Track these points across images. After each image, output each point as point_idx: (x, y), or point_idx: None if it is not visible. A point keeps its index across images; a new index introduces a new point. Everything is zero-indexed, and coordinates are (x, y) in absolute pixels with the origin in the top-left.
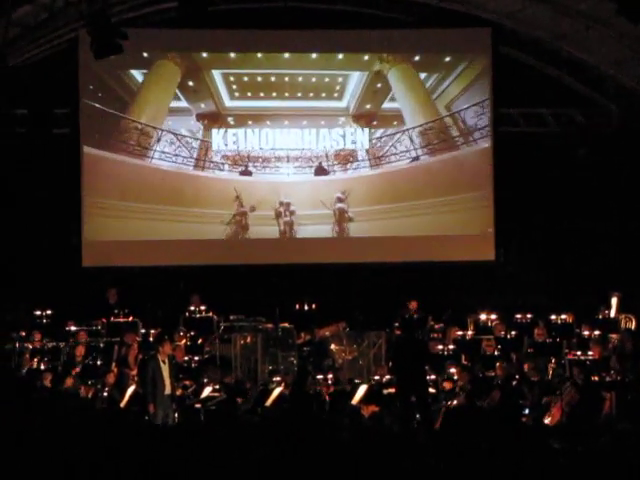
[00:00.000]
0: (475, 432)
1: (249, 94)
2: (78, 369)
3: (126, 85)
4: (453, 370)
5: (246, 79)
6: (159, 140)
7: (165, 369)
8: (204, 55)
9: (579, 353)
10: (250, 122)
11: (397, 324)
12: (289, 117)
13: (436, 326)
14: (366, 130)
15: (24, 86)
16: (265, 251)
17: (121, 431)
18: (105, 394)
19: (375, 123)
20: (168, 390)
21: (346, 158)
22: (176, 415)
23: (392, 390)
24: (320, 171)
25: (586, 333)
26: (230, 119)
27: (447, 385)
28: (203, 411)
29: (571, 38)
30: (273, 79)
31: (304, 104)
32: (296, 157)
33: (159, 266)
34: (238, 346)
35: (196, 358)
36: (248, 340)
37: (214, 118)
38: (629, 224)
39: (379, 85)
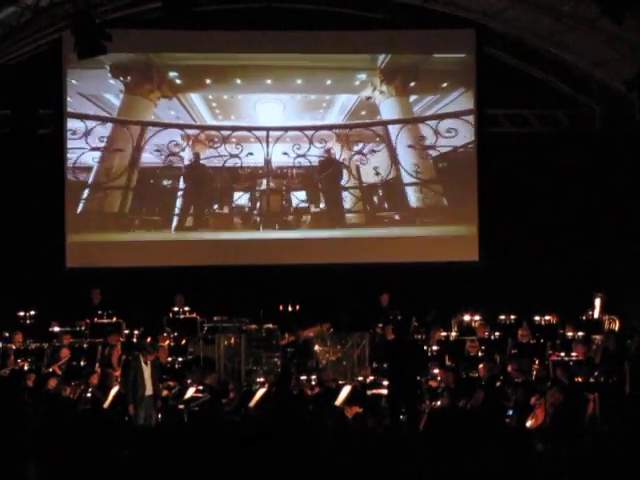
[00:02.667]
0: (458, 433)
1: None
2: (62, 370)
3: None
4: (437, 371)
5: None
6: None
7: (147, 370)
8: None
9: (563, 354)
10: (208, 81)
11: (381, 325)
12: (275, 72)
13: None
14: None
15: (8, 86)
16: (249, 252)
17: (104, 431)
18: (89, 395)
19: (413, 85)
20: (149, 391)
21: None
22: (160, 416)
23: (376, 391)
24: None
25: (570, 334)
26: (172, 75)
27: (432, 383)
28: (187, 412)
29: (555, 39)
30: None
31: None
32: (284, 138)
33: (143, 267)
34: (222, 347)
35: (180, 359)
36: (232, 341)
37: (145, 73)
38: (613, 225)
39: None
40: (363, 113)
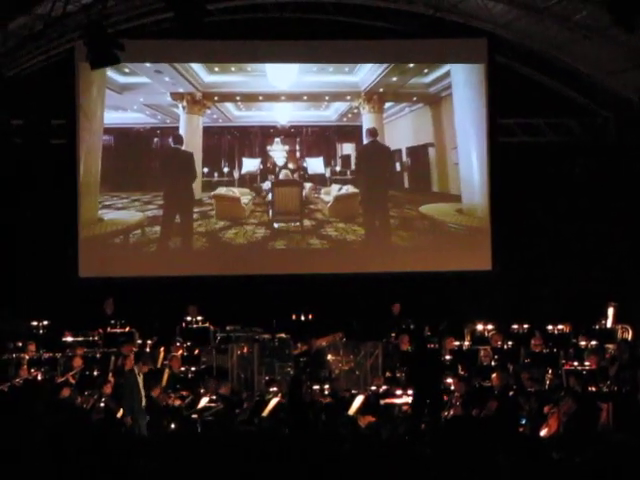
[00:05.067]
0: (472, 442)
1: None
2: (75, 380)
3: None
4: (450, 380)
5: None
6: None
7: (140, 382)
8: None
9: (576, 363)
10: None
11: (394, 334)
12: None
13: None
14: None
15: (21, 97)
16: (262, 261)
17: (117, 441)
18: (102, 404)
19: None
20: (143, 402)
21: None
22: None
23: (389, 400)
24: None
25: (583, 343)
26: None
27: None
28: (200, 422)
29: (567, 48)
30: None
31: None
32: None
33: (156, 277)
34: (235, 356)
35: (193, 369)
36: (245, 350)
37: None
38: (626, 234)
39: None
40: (411, 66)
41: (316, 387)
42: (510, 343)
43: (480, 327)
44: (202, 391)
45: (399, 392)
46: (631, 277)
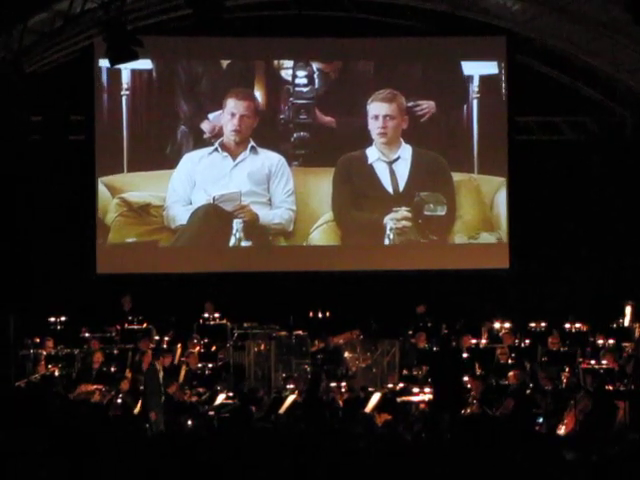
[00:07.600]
0: (488, 441)
1: None
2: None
3: None
4: (466, 379)
5: None
6: None
7: (161, 377)
8: None
9: (593, 362)
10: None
11: (411, 332)
12: None
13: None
14: None
15: (40, 93)
16: (279, 258)
17: (135, 438)
18: (119, 401)
19: None
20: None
21: None
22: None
23: (405, 398)
24: None
25: (600, 342)
26: None
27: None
28: (217, 418)
29: (586, 46)
30: None
31: None
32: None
33: (173, 273)
34: (252, 354)
35: (210, 365)
36: (262, 348)
37: None
38: None
39: None
40: None
41: (333, 384)
42: (527, 341)
43: (497, 325)
44: (219, 388)
45: (416, 390)
46: None
